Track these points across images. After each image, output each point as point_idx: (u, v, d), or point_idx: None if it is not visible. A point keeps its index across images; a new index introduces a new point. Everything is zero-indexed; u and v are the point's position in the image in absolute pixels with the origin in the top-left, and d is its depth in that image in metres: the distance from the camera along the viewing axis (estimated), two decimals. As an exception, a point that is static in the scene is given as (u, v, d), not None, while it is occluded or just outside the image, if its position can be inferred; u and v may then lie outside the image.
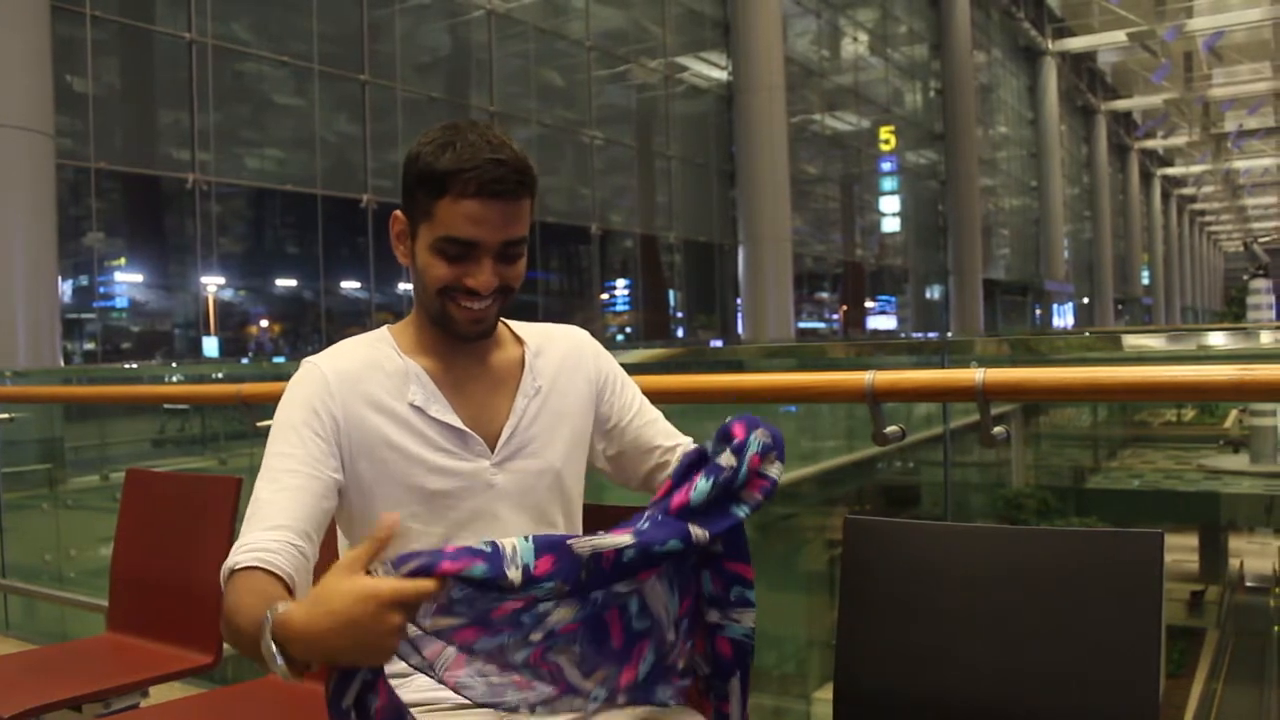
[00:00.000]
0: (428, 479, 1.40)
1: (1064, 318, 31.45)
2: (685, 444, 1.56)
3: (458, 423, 1.42)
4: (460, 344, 1.46)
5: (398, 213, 1.43)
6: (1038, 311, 30.27)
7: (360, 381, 1.42)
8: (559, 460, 1.49)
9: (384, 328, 1.51)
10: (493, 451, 1.43)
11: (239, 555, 1.26)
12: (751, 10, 17.32)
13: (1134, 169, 40.73)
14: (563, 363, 1.54)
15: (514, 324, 1.55)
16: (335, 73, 12.62)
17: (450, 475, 1.41)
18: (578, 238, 16.09)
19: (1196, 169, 42.97)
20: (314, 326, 13.16)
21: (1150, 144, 40.29)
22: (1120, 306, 38.24)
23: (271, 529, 1.29)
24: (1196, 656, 18.21)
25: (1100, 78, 35.02)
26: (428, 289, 1.40)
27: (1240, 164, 40.60)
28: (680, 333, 17.84)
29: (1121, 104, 36.22)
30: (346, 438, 1.39)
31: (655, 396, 2.37)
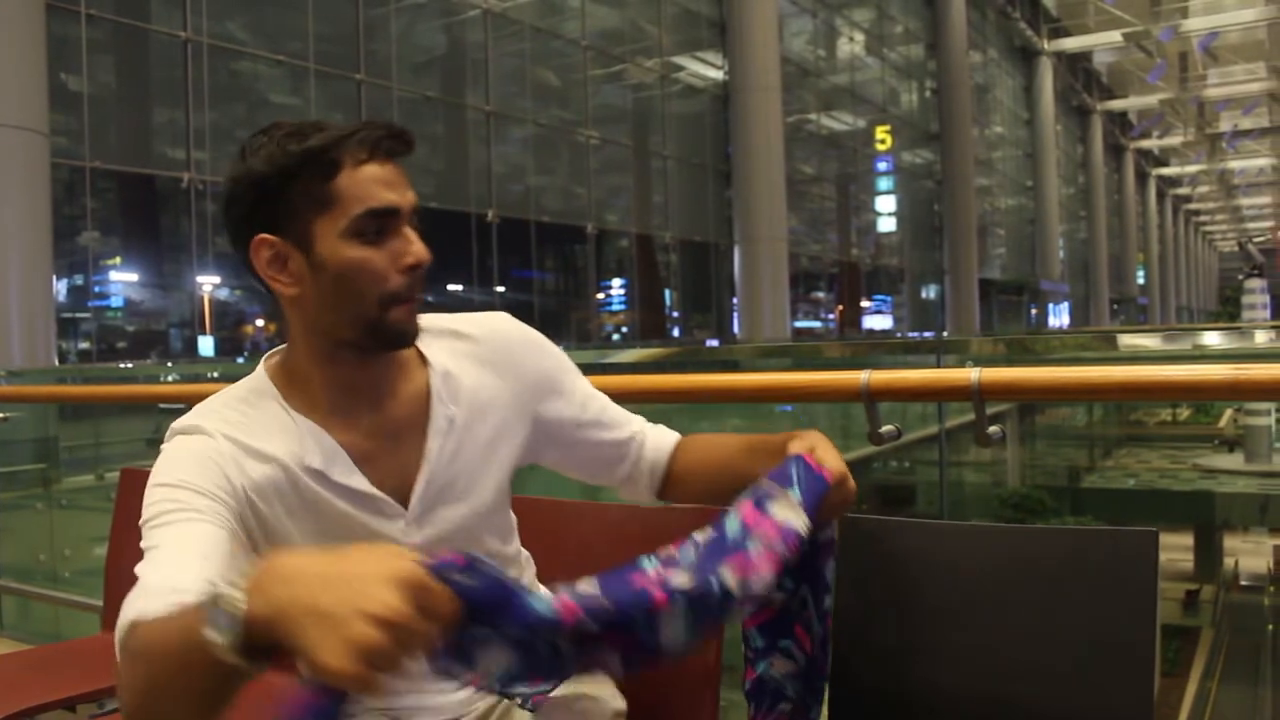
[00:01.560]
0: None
1: (1060, 317, 31.50)
2: (639, 430, 1.42)
3: (364, 485, 1.19)
4: (360, 382, 1.22)
5: (261, 237, 1.15)
6: (1033, 311, 30.31)
7: (249, 435, 1.18)
8: (490, 495, 1.28)
9: (260, 372, 1.25)
10: (405, 509, 1.21)
11: (142, 604, 0.97)
12: (747, 10, 17.33)
13: (1129, 169, 40.79)
14: (481, 374, 1.29)
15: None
16: (331, 72, 12.61)
17: (361, 541, 1.08)
18: (573, 237, 16.09)
19: (1191, 169, 43.04)
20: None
21: (1145, 144, 40.35)
22: (1116, 306, 38.30)
23: (178, 570, 1.02)
24: (1191, 655, 18.27)
25: (1096, 78, 35.07)
26: (364, 293, 1.15)
27: (1235, 164, 40.67)
28: (676, 332, 17.84)
29: (1117, 104, 36.26)
30: (243, 502, 1.15)
31: (651, 396, 2.37)
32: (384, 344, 1.21)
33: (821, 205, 23.08)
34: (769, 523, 1.09)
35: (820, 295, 22.76)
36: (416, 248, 1.19)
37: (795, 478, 1.14)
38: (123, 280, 11.76)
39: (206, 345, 11.71)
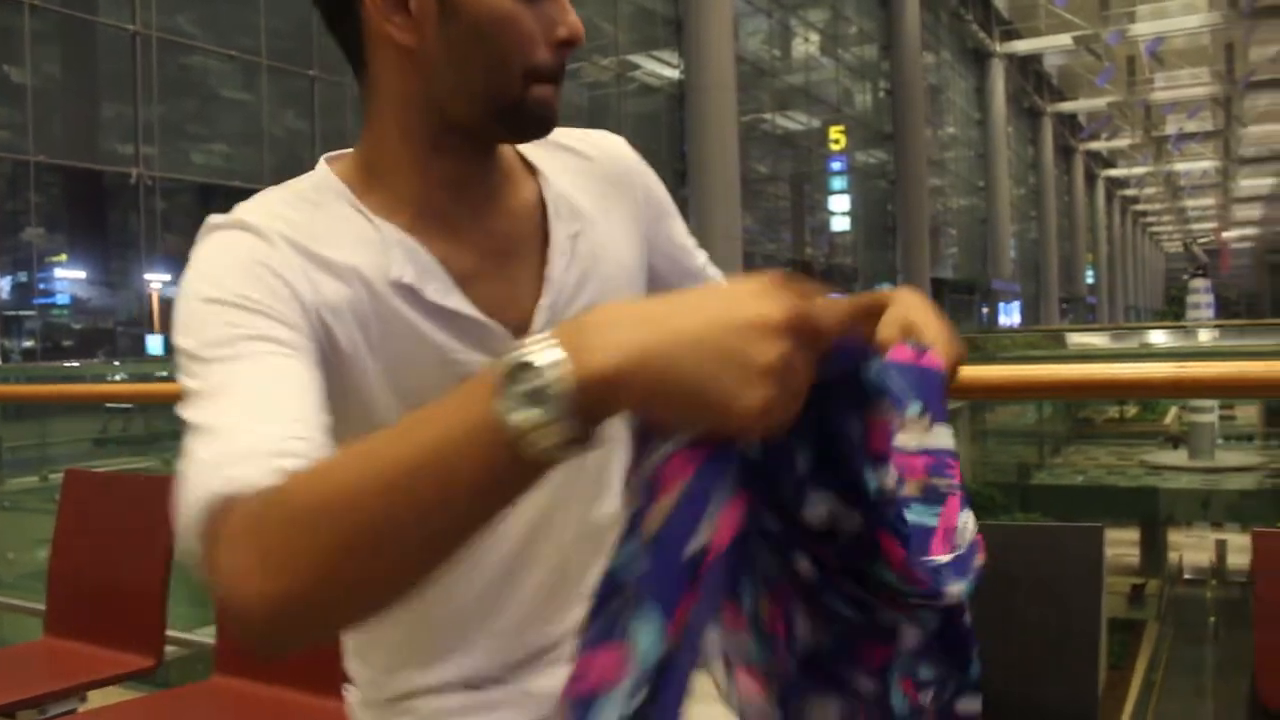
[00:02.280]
0: (428, 393, 0.69)
1: (1010, 316, 31.88)
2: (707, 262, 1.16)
3: (468, 308, 0.92)
4: (466, 182, 0.95)
5: None
6: (985, 310, 30.65)
7: (315, 240, 0.88)
8: None
9: (323, 169, 0.96)
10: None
11: (229, 472, 0.69)
12: (703, 9, 17.37)
13: (1079, 170, 41.36)
14: (601, 193, 1.04)
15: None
16: (283, 67, 12.48)
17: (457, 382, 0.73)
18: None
19: (1139, 171, 43.73)
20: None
21: (1094, 146, 40.95)
22: (1065, 305, 38.82)
23: (263, 422, 0.74)
24: (1137, 648, 18.58)
25: (1046, 80, 35.53)
26: (507, 58, 0.89)
27: (1180, 166, 41.38)
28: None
29: (1067, 106, 36.76)
30: (317, 329, 0.86)
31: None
32: (517, 130, 0.95)
33: (776, 204, 23.19)
34: (918, 461, 0.77)
35: (775, 294, 22.87)
36: (573, 19, 0.92)
37: (904, 388, 0.79)
38: (69, 277, 11.58)
39: (156, 344, 11.55)
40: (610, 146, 1.07)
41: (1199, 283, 26.39)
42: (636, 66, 18.01)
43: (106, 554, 2.27)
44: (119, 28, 10.91)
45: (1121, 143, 39.22)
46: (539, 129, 0.94)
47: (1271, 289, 34.97)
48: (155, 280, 11.56)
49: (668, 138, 18.23)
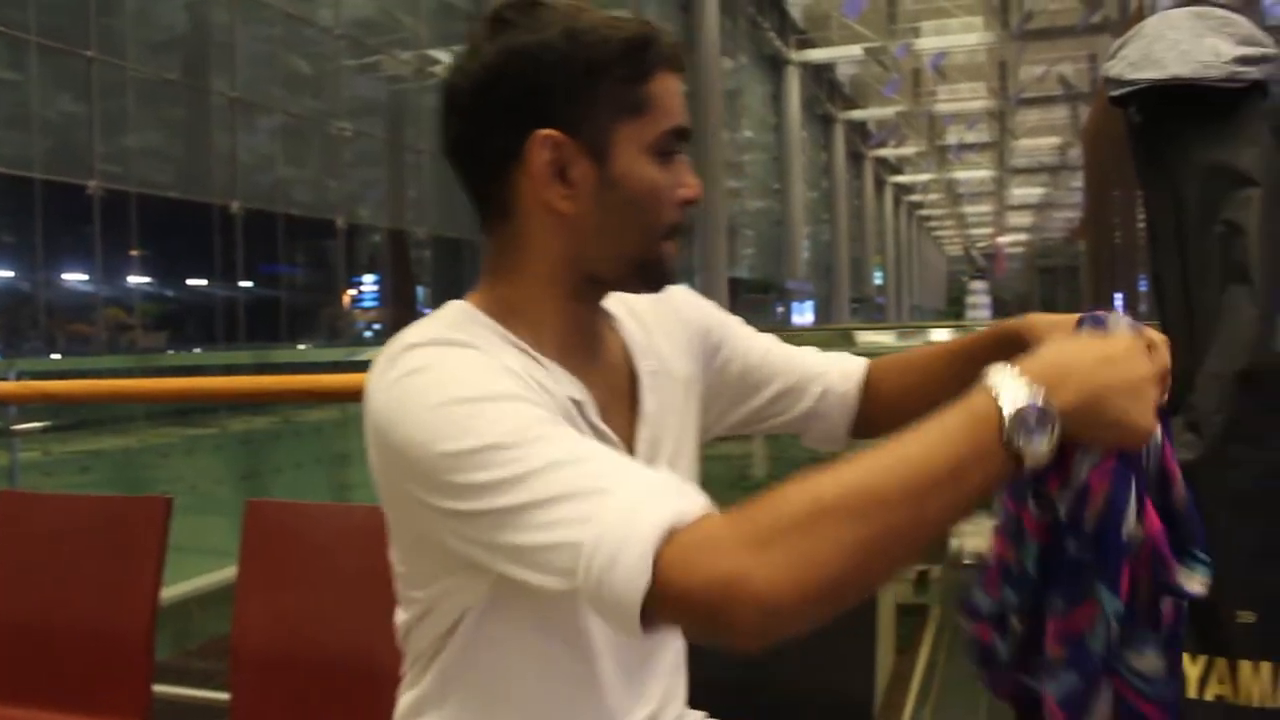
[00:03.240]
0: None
1: (804, 315, 32.94)
2: (815, 365, 1.25)
3: (609, 431, 1.01)
4: (589, 327, 1.05)
5: (546, 133, 0.95)
6: (780, 309, 31.59)
7: (513, 363, 0.95)
8: (691, 454, 1.13)
9: (465, 308, 1.00)
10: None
11: (673, 505, 0.78)
12: (505, 6, 17.25)
13: (868, 176, 43.11)
14: (656, 330, 1.14)
15: None
16: (57, 46, 11.71)
17: None
18: (324, 231, 15.58)
19: (923, 177, 45.96)
20: (32, 321, 12.19)
21: (883, 152, 42.73)
22: (855, 305, 40.40)
23: (639, 471, 0.84)
24: (922, 631, 19.60)
25: (838, 88, 36.89)
26: (653, 223, 0.99)
27: (961, 174, 43.72)
28: (432, 329, 17.61)
29: (857, 114, 38.23)
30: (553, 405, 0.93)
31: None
32: (652, 284, 1.04)
33: (579, 203, 23.28)
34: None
35: (578, 293, 22.97)
36: (694, 179, 1.02)
37: None
38: None
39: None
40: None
41: (977, 284, 28.00)
42: (437, 61, 17.74)
43: (57, 594, 1.86)
44: None
45: (907, 150, 41.13)
46: (668, 281, 1.05)
47: (1041, 291, 37.40)
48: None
49: (470, 134, 18.06)
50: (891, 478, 0.76)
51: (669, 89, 0.99)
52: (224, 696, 1.68)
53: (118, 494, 2.38)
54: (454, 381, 0.88)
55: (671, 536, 0.77)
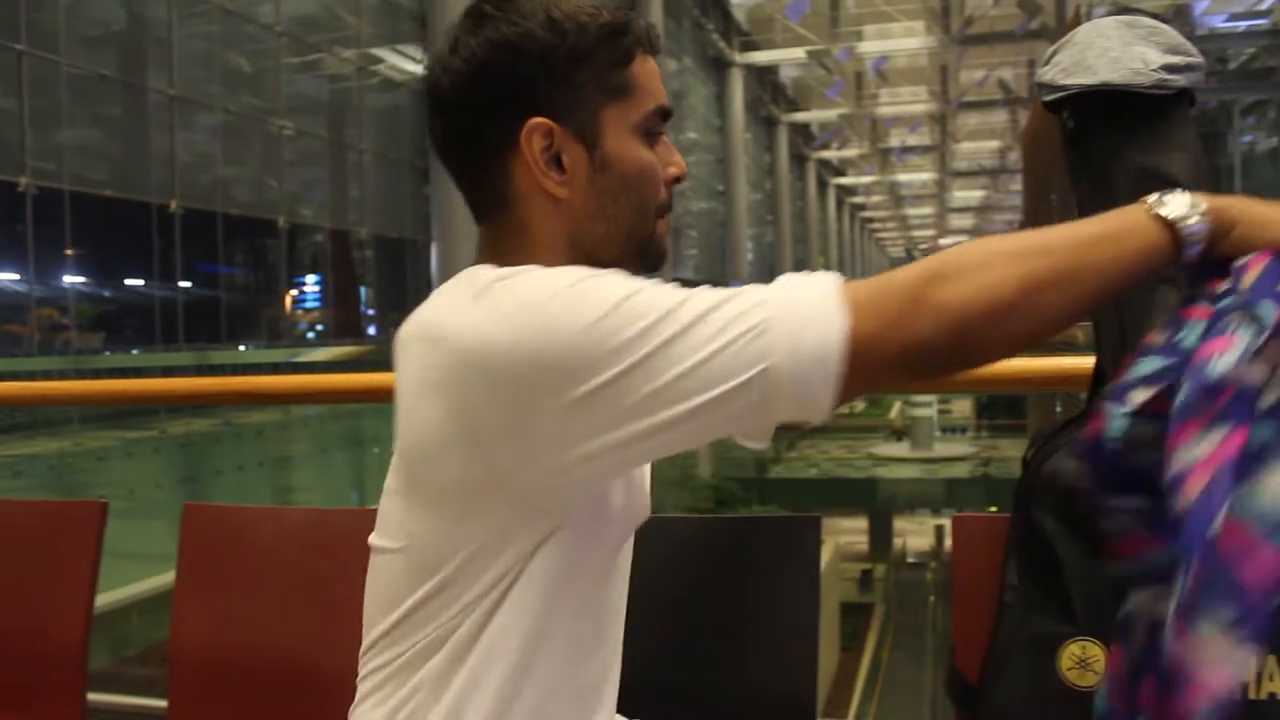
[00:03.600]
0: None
1: (749, 317, 33.13)
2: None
3: None
4: None
5: (537, 121, 0.97)
6: (725, 310, 31.70)
7: None
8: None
9: (487, 271, 0.98)
10: None
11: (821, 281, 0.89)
12: (448, 4, 17.15)
13: (811, 177, 43.41)
14: None
15: None
16: (-16, 41, 11.44)
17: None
18: (265, 231, 15.38)
19: (865, 179, 46.36)
20: (-39, 322, 11.91)
21: (826, 154, 43.05)
22: (799, 306, 40.60)
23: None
24: (867, 629, 19.74)
25: (782, 91, 37.10)
26: (646, 202, 1.02)
27: (903, 177, 44.16)
28: (372, 330, 17.44)
29: (800, 116, 38.47)
30: None
31: (349, 396, 2.30)
32: (649, 263, 1.06)
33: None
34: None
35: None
36: (679, 158, 1.07)
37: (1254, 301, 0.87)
38: None
39: None
40: None
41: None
42: (380, 60, 17.60)
43: None
44: None
45: (850, 153, 41.46)
46: (663, 259, 1.06)
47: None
48: None
49: (411, 134, 17.92)
50: (1052, 236, 0.85)
51: (649, 70, 1.03)
52: (161, 704, 1.65)
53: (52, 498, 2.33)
54: (555, 275, 0.89)
55: (875, 282, 0.87)
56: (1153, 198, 0.88)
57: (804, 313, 0.85)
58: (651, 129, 1.03)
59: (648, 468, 1.12)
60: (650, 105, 1.03)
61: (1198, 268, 0.89)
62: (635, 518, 1.07)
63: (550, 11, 0.98)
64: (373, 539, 1.04)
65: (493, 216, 1.04)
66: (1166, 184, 1.16)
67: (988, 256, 0.83)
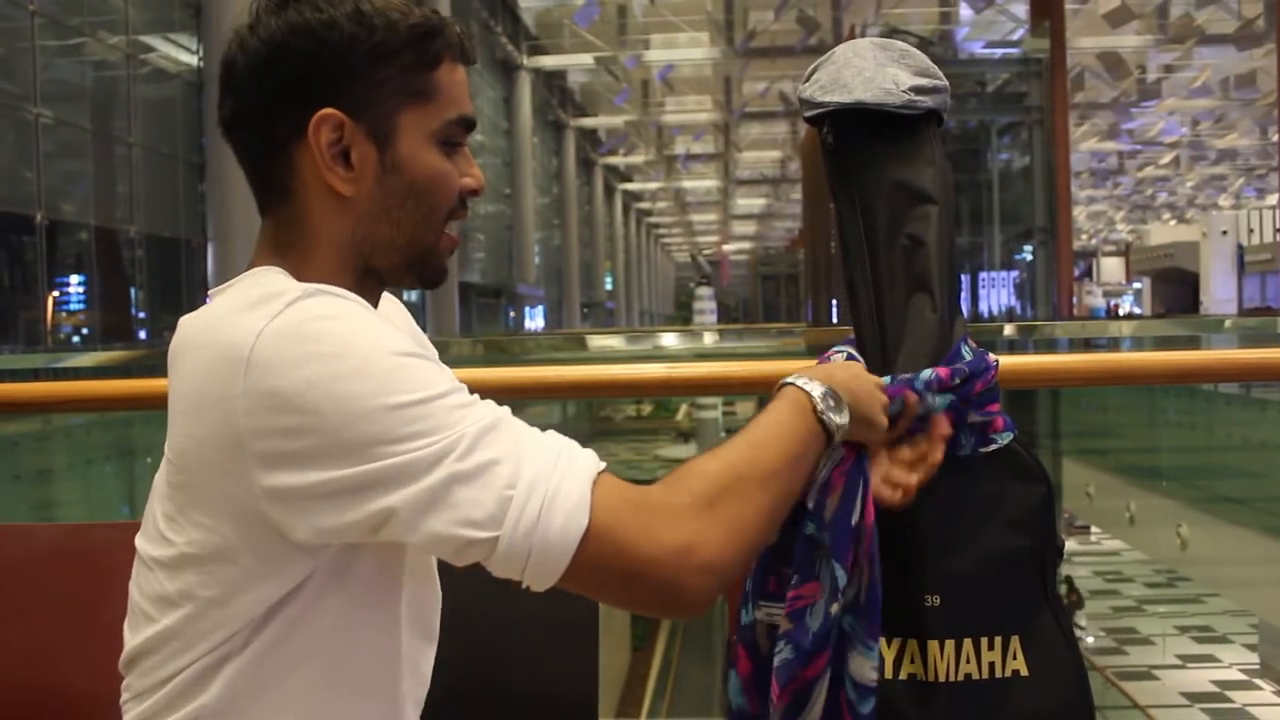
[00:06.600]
0: None
1: (536, 320, 33.15)
2: None
3: None
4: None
5: (328, 112, 0.93)
6: (511, 314, 31.64)
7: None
8: None
9: (282, 276, 0.95)
10: None
11: (586, 467, 0.87)
12: (225, -6, 16.46)
13: (599, 183, 43.84)
14: (408, 331, 1.27)
15: None
16: None
17: None
18: (20, 227, 14.34)
19: (652, 186, 47.19)
20: None
21: (613, 160, 43.57)
22: (586, 310, 40.99)
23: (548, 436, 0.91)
24: (658, 628, 20.04)
25: (570, 96, 37.34)
26: (434, 212, 0.99)
27: (688, 184, 45.18)
28: (143, 334, 16.55)
29: (588, 122, 38.82)
30: None
31: (117, 404, 2.17)
32: (424, 277, 1.04)
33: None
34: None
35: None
36: (477, 171, 1.04)
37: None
38: None
39: None
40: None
41: (704, 290, 28.90)
42: (151, 49, 16.73)
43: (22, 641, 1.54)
44: None
45: (637, 159, 42.10)
46: (442, 276, 1.04)
47: (763, 297, 39.25)
48: None
49: (185, 129, 17.10)
50: (770, 453, 0.93)
51: (455, 79, 1.02)
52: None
53: None
54: (367, 335, 0.87)
55: (610, 482, 0.87)
56: (819, 397, 1.01)
57: (554, 498, 0.84)
58: (450, 138, 1.02)
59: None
60: (451, 113, 1.01)
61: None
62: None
63: (361, 4, 0.95)
64: (138, 541, 0.99)
65: (275, 208, 1.01)
66: (918, 197, 1.25)
67: (736, 484, 0.90)
